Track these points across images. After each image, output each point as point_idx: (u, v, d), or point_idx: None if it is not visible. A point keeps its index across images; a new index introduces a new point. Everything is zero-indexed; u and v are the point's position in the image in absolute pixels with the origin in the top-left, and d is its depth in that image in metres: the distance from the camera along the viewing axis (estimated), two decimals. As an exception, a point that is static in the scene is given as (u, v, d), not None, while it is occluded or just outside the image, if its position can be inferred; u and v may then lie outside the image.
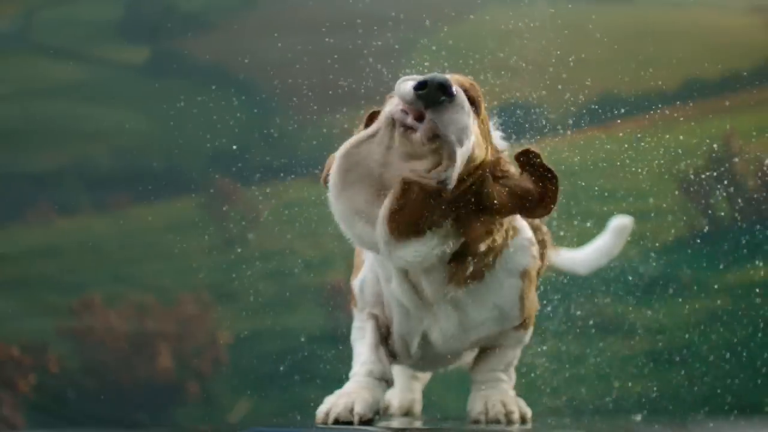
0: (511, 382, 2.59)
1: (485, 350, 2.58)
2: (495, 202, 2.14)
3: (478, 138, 2.10)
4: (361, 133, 2.10)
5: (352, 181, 2.06)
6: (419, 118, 2.02)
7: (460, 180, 2.07)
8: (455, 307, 2.36)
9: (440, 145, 2.01)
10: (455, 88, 2.00)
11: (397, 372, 3.10)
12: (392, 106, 2.06)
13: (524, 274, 2.42)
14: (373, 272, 2.47)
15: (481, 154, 2.11)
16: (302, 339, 5.05)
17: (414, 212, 2.02)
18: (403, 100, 2.01)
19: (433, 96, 1.98)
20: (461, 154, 2.01)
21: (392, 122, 2.04)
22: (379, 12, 5.02)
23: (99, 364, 5.15)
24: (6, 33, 5.71)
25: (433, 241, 2.10)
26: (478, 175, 2.13)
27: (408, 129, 2.02)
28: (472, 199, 2.13)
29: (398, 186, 2.00)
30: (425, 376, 3.32)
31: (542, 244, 2.60)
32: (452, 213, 2.11)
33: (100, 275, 5.30)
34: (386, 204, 2.01)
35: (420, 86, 1.98)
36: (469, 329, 2.41)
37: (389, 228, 2.02)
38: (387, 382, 2.47)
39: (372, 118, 2.22)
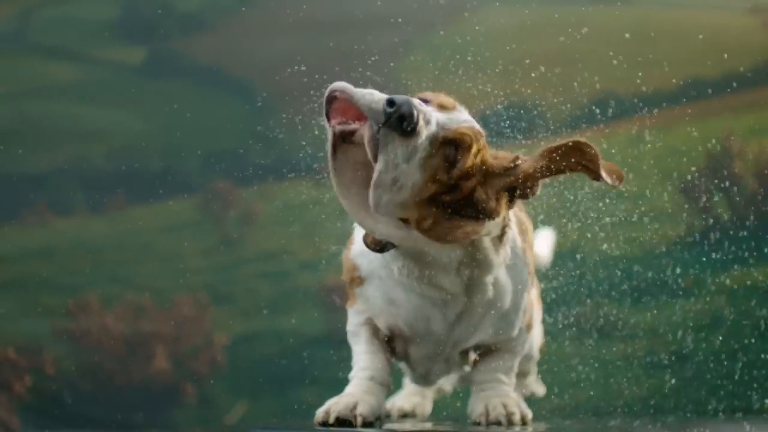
0: (512, 384, 2.57)
1: (487, 353, 2.56)
2: (496, 168, 2.14)
3: (419, 175, 2.06)
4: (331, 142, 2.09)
5: (347, 182, 2.06)
6: (360, 118, 2.02)
7: (465, 175, 2.08)
8: (458, 310, 2.35)
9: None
10: (416, 127, 1.99)
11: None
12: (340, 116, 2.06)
13: (525, 278, 2.42)
14: (378, 278, 2.44)
15: (423, 190, 2.07)
16: (299, 340, 5.04)
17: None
18: (368, 105, 1.99)
19: (392, 121, 1.97)
20: (385, 181, 2.00)
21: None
22: (377, 12, 5.01)
23: (95, 366, 5.13)
24: (2, 33, 5.70)
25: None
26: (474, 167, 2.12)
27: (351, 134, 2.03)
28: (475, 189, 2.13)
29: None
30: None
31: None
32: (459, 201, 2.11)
33: (96, 276, 5.28)
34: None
35: (390, 103, 1.97)
36: (469, 331, 2.40)
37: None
38: (388, 387, 2.46)
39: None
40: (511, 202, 2.20)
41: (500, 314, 2.40)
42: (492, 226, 2.20)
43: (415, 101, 2.02)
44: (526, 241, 2.44)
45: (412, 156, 2.01)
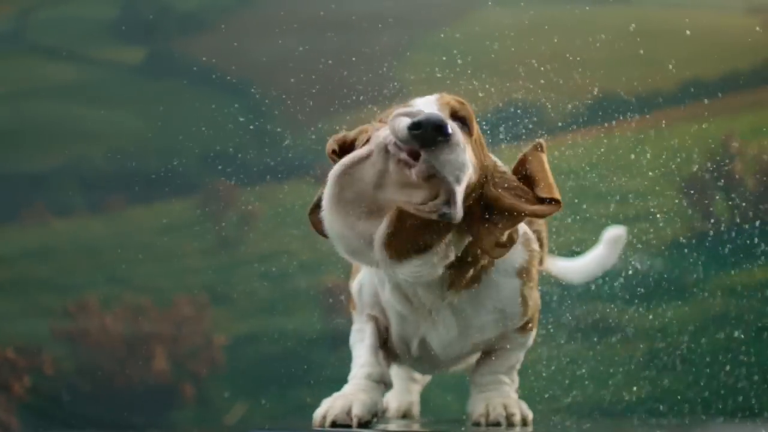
0: (513, 384, 2.56)
1: (487, 353, 2.55)
2: (499, 202, 2.12)
3: (471, 161, 2.07)
4: (355, 153, 2.06)
5: (346, 201, 2.02)
6: (413, 154, 1.99)
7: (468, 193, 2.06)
8: (454, 312, 2.34)
9: (437, 181, 1.98)
10: (450, 127, 1.97)
11: (395, 374, 3.08)
12: (386, 133, 2.03)
13: (522, 272, 2.38)
14: (371, 274, 2.45)
15: (474, 178, 2.09)
16: (298, 341, 5.03)
17: (411, 235, 1.99)
18: (397, 138, 1.98)
19: (428, 137, 1.94)
20: (459, 191, 1.98)
21: (386, 149, 2.01)
22: (376, 12, 5.01)
23: (94, 366, 5.13)
24: (1, 33, 5.70)
25: (435, 256, 2.06)
26: (477, 187, 2.11)
27: (402, 162, 2.00)
28: (475, 210, 2.11)
29: (394, 213, 1.97)
30: (424, 379, 3.30)
31: (540, 239, 2.58)
32: (454, 227, 2.08)
33: (95, 277, 5.28)
34: (382, 228, 1.98)
35: (415, 126, 1.95)
36: (469, 334, 2.39)
37: (387, 251, 1.99)
38: (385, 384, 2.44)
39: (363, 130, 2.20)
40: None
41: (494, 320, 2.40)
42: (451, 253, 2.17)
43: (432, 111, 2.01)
44: (530, 248, 2.43)
45: (466, 147, 2.02)
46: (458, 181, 1.97)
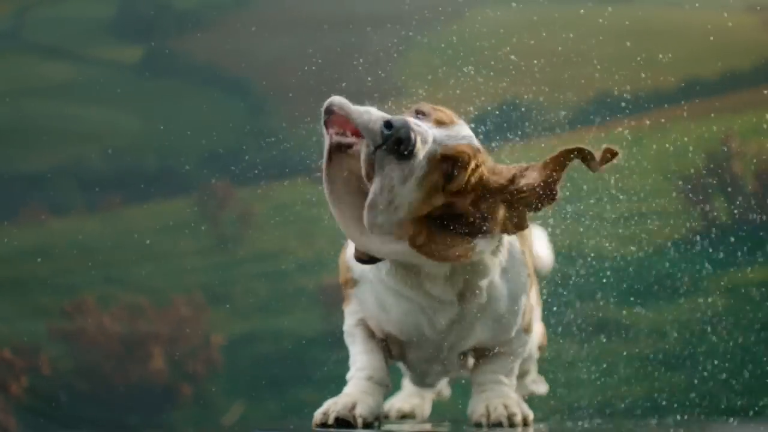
0: (513, 385, 2.56)
1: (487, 354, 2.54)
2: (495, 185, 2.13)
3: (410, 196, 2.05)
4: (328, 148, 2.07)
5: (341, 194, 2.05)
6: (358, 133, 2.00)
7: (460, 193, 2.09)
8: (454, 315, 2.34)
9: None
10: (413, 150, 1.98)
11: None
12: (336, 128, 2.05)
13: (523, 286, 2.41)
14: (369, 281, 2.43)
15: (417, 208, 2.06)
16: (296, 340, 5.03)
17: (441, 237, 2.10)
18: (366, 124, 1.98)
19: (389, 144, 1.96)
20: (380, 203, 1.99)
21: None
22: (374, 10, 5.00)
23: (92, 366, 5.12)
24: (-2, 31, 5.69)
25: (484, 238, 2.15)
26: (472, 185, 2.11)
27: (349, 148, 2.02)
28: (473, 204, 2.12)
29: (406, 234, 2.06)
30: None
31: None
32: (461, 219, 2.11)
33: (92, 276, 5.27)
34: (401, 251, 2.08)
35: (388, 125, 1.96)
36: (469, 335, 2.39)
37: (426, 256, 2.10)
38: (386, 387, 2.44)
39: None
40: (528, 213, 2.18)
41: (497, 317, 2.39)
42: (485, 245, 2.18)
43: (412, 122, 2.01)
44: (524, 243, 2.43)
45: (409, 177, 2.00)
46: (388, 193, 1.98)
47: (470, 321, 2.35)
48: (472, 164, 2.10)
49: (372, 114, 1.99)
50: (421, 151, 2.01)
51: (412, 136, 1.97)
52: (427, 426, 2.90)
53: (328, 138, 2.03)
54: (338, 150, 2.02)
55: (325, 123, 2.04)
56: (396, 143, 1.96)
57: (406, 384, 3.19)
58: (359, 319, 2.49)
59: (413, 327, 2.37)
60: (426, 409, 3.27)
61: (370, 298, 2.42)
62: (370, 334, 2.48)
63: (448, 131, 2.11)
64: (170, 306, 5.18)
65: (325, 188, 2.06)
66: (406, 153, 1.97)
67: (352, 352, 2.51)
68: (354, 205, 2.04)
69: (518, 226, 2.18)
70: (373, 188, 1.98)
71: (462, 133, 2.14)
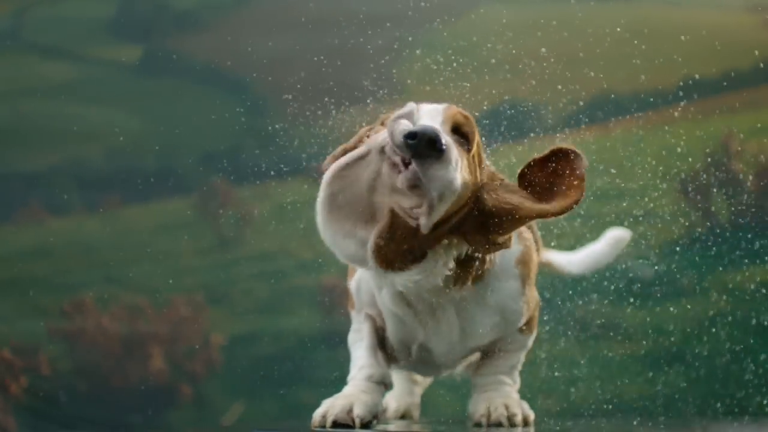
0: (515, 385, 2.56)
1: (489, 353, 2.54)
2: (495, 208, 2.11)
3: (465, 176, 2.06)
4: (350, 155, 2.07)
5: (340, 204, 2.04)
6: (406, 161, 1.99)
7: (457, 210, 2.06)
8: (457, 312, 2.34)
9: (421, 192, 1.98)
10: (445, 143, 1.97)
11: (396, 375, 3.08)
12: (384, 135, 2.03)
13: (521, 264, 2.39)
14: (368, 275, 2.44)
15: (466, 193, 2.07)
16: (296, 340, 5.03)
17: (401, 244, 2.02)
18: (392, 142, 1.98)
19: (421, 149, 1.95)
20: (439, 208, 1.99)
21: (382, 150, 2.01)
22: (374, 10, 5.00)
23: (91, 366, 5.12)
24: (-3, 31, 5.69)
25: (434, 264, 2.10)
26: (468, 202, 2.10)
27: (393, 165, 2.00)
28: (473, 215, 2.11)
29: (387, 216, 2.00)
30: (425, 381, 3.29)
31: (530, 228, 2.56)
32: (446, 236, 2.09)
33: (92, 276, 5.26)
34: (375, 233, 2.01)
35: (410, 136, 1.95)
36: (471, 335, 2.39)
37: (378, 261, 2.02)
38: (386, 385, 2.44)
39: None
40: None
41: (497, 320, 2.39)
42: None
43: (425, 124, 2.00)
44: (527, 245, 2.42)
45: (457, 163, 2.01)
46: (441, 197, 1.98)
47: (469, 325, 2.36)
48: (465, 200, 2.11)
49: (395, 135, 1.98)
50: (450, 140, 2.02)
51: (436, 131, 1.97)
52: (428, 426, 2.90)
53: (384, 137, 2.03)
54: (381, 150, 2.02)
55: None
56: (428, 146, 1.95)
57: (398, 381, 3.17)
58: (365, 316, 2.50)
59: (408, 334, 2.41)
60: (416, 407, 3.27)
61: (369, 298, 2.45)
62: (374, 332, 2.49)
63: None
64: (170, 306, 5.17)
65: (325, 188, 2.04)
66: (442, 148, 1.96)
67: (354, 350, 2.52)
68: (348, 218, 2.03)
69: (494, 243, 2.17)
70: (429, 199, 1.96)
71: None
